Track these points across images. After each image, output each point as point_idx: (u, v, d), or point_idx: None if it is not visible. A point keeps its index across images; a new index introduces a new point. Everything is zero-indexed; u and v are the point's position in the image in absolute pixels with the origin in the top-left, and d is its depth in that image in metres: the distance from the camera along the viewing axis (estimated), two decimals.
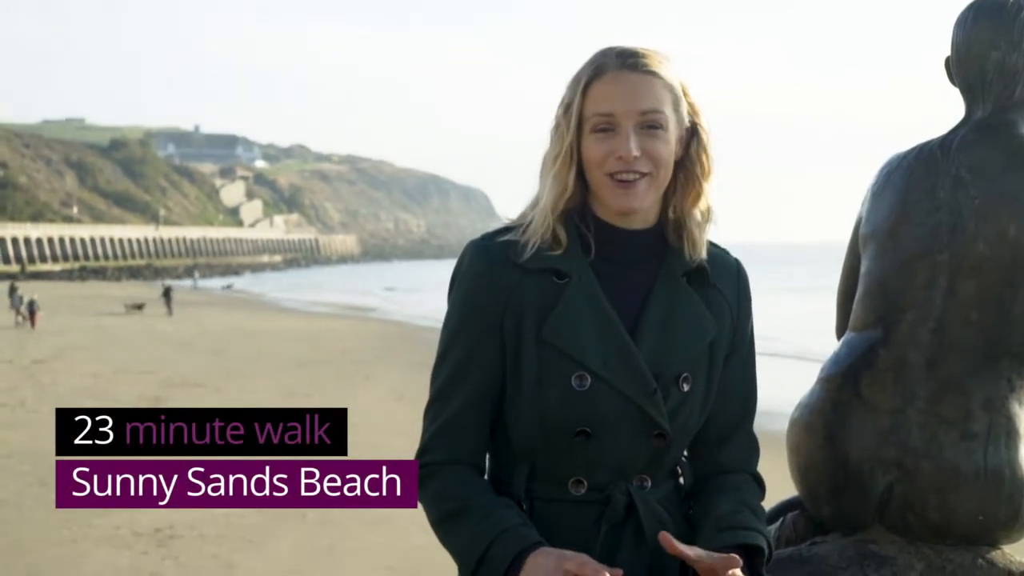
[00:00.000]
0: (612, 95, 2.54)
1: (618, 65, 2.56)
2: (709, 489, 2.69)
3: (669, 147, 2.56)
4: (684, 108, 2.61)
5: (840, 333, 3.56)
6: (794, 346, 34.26)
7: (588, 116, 2.56)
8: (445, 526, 2.58)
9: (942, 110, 3.55)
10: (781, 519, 3.51)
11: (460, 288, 2.64)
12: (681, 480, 2.73)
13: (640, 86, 2.54)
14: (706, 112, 2.65)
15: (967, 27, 3.39)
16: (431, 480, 2.61)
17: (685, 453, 2.74)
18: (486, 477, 2.68)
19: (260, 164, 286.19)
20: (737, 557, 2.46)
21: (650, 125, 2.54)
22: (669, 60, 2.61)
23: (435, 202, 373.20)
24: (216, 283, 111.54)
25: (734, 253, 2.76)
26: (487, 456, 2.68)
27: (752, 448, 2.76)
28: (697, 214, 2.65)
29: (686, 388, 2.60)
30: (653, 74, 2.56)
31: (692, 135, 2.63)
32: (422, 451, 2.65)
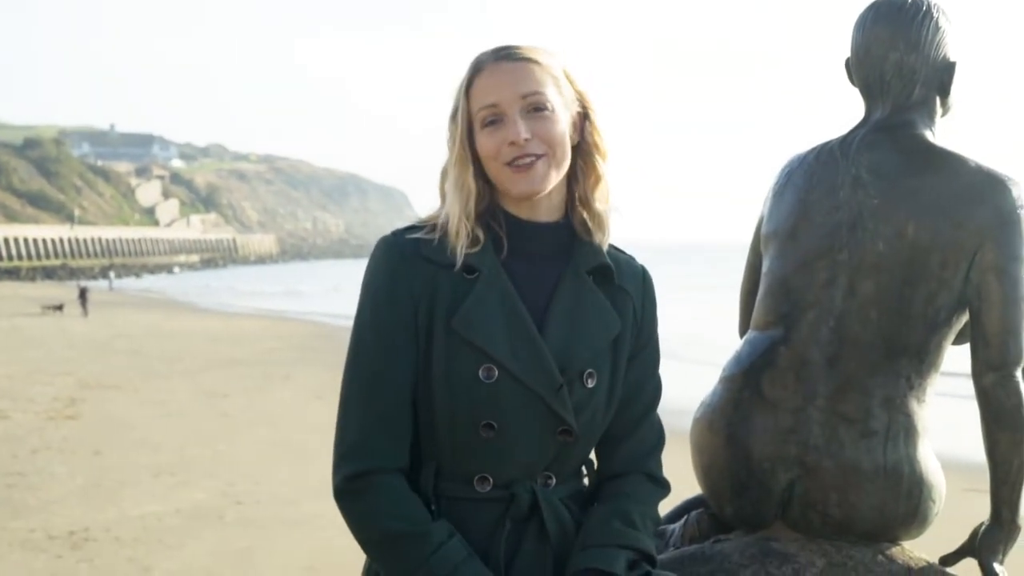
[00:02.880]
0: (493, 86, 2.61)
1: (494, 58, 2.63)
2: (598, 497, 2.74)
3: (559, 127, 2.62)
4: (570, 93, 2.67)
5: (742, 332, 3.61)
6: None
7: (475, 112, 2.62)
8: (388, 546, 2.57)
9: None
10: (685, 517, 3.53)
11: (373, 283, 2.67)
12: (586, 481, 2.77)
13: (518, 72, 2.61)
14: (595, 97, 2.72)
15: (866, 28, 3.43)
16: (365, 495, 2.59)
17: (592, 456, 2.78)
18: None
19: (176, 163, 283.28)
20: None
21: (535, 108, 2.60)
22: (549, 50, 2.68)
23: (354, 201, 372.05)
24: (133, 283, 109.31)
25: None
26: None
27: (651, 445, 2.79)
28: (600, 194, 2.72)
29: (591, 384, 2.65)
30: (530, 60, 2.63)
31: (584, 119, 2.70)
32: (345, 457, 2.62)
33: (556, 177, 2.65)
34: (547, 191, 2.65)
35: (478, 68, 2.64)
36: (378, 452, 2.60)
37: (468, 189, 2.63)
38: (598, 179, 2.72)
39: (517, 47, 2.65)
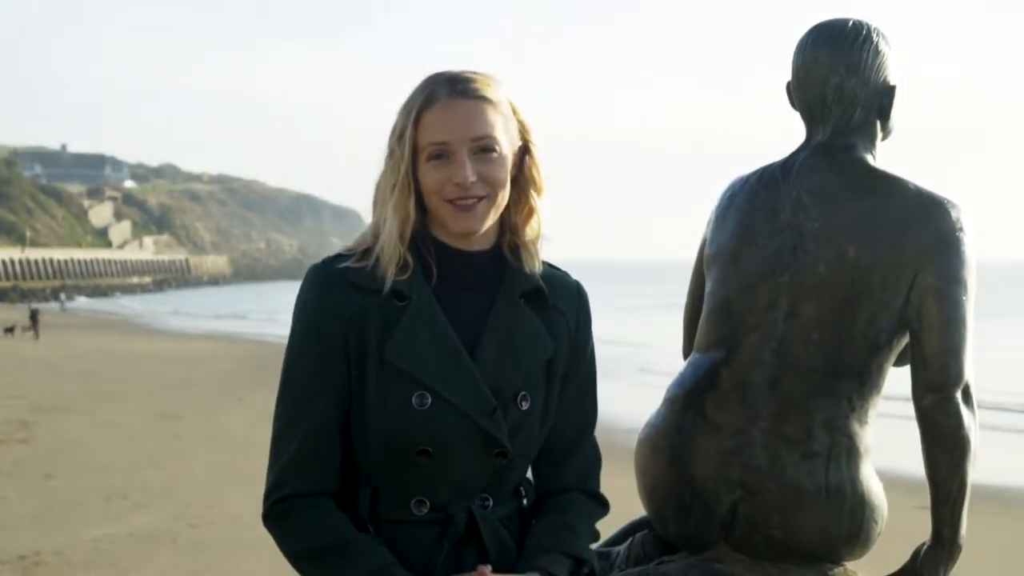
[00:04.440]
0: (444, 124, 2.61)
1: (448, 92, 2.63)
2: (538, 512, 2.77)
3: (504, 168, 2.65)
4: (515, 128, 2.69)
5: (686, 354, 3.63)
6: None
7: (422, 145, 2.63)
8: (317, 560, 2.61)
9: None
10: (630, 539, 3.54)
11: (303, 312, 2.70)
12: (525, 501, 2.79)
13: (472, 112, 2.62)
14: (536, 129, 2.74)
15: (807, 52, 3.45)
16: (290, 515, 2.64)
17: (529, 473, 2.80)
18: None
19: (129, 184, 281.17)
20: None
21: (483, 149, 2.62)
22: (499, 82, 2.69)
23: (308, 222, 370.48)
24: (86, 304, 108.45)
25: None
26: None
27: (590, 464, 2.83)
28: (530, 228, 2.75)
29: (525, 406, 2.67)
30: (483, 99, 2.64)
31: (525, 152, 2.72)
32: (275, 486, 2.66)
33: (494, 216, 2.69)
34: (484, 231, 2.69)
35: (431, 100, 2.63)
36: (305, 478, 2.64)
37: (407, 215, 2.65)
38: (531, 213, 2.75)
39: (471, 80, 2.65)
